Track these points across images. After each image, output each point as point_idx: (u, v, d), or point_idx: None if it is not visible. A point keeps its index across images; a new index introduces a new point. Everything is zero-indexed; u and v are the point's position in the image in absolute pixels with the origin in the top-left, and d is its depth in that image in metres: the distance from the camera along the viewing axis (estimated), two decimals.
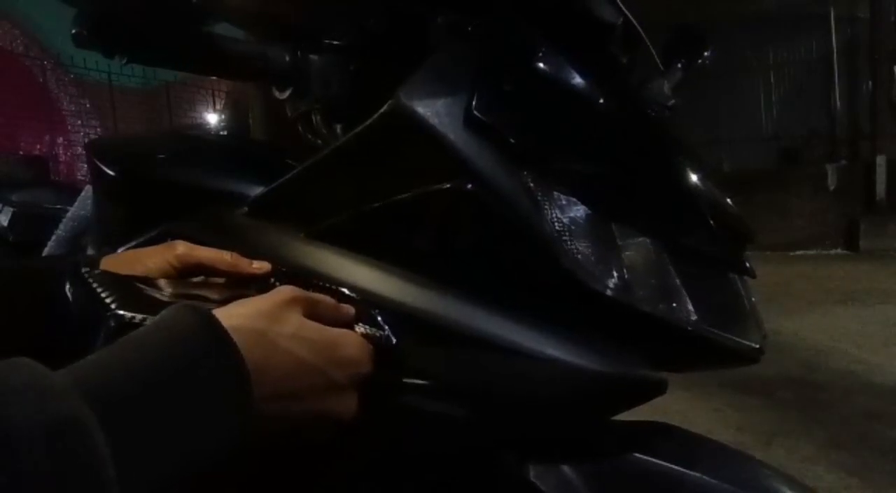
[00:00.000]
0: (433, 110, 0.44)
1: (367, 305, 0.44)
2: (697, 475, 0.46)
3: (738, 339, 0.50)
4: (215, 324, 0.33)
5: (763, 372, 2.58)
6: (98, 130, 9.70)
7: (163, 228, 0.56)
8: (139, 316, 0.37)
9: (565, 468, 0.47)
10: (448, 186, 0.43)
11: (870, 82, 7.74)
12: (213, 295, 0.44)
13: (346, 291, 0.45)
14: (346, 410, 0.40)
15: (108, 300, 0.38)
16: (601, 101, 0.49)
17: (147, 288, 0.42)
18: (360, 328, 0.43)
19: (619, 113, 0.51)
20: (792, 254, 7.02)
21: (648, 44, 0.59)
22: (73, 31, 0.51)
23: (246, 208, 0.55)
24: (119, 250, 0.54)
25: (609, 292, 0.44)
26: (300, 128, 0.70)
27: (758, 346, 0.52)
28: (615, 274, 0.46)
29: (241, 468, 0.36)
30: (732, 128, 8.94)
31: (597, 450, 0.48)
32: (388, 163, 0.46)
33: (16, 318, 0.43)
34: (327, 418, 0.39)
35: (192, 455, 0.29)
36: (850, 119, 8.41)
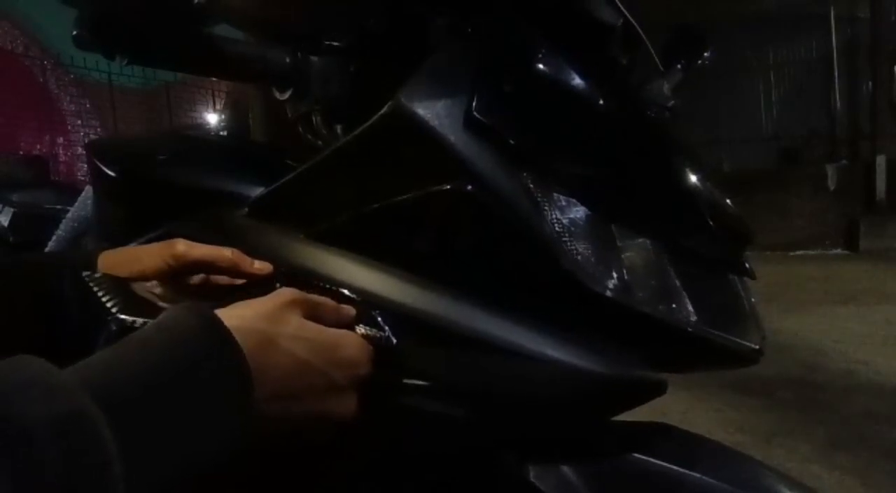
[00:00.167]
0: (433, 112, 0.44)
1: (368, 306, 0.44)
2: (697, 475, 0.46)
3: (737, 340, 0.50)
4: (218, 325, 0.33)
5: (763, 372, 2.58)
6: (98, 130, 9.68)
7: (163, 229, 0.56)
8: (140, 320, 0.37)
9: (565, 469, 0.47)
10: (448, 187, 0.43)
11: (870, 82, 7.73)
12: (214, 297, 0.44)
13: (346, 292, 0.45)
14: (347, 410, 0.40)
15: (109, 304, 0.38)
16: (601, 102, 0.49)
17: (147, 291, 0.42)
18: (360, 329, 0.43)
19: (618, 114, 0.51)
20: (792, 254, 7.01)
21: (648, 44, 0.59)
22: (74, 33, 0.51)
23: (246, 209, 0.55)
24: None
25: (609, 293, 0.44)
26: (300, 129, 0.70)
27: (757, 347, 0.52)
28: (615, 275, 0.46)
29: (242, 469, 0.36)
30: (732, 128, 8.92)
31: (597, 450, 0.48)
32: (389, 164, 0.46)
33: (16, 318, 0.43)
34: (328, 418, 0.39)
35: (195, 456, 0.29)
36: (850, 119, 8.41)
